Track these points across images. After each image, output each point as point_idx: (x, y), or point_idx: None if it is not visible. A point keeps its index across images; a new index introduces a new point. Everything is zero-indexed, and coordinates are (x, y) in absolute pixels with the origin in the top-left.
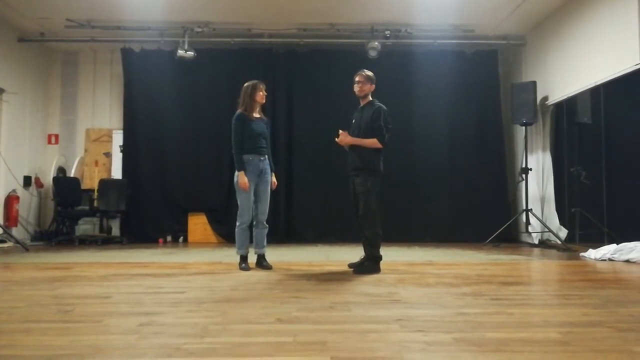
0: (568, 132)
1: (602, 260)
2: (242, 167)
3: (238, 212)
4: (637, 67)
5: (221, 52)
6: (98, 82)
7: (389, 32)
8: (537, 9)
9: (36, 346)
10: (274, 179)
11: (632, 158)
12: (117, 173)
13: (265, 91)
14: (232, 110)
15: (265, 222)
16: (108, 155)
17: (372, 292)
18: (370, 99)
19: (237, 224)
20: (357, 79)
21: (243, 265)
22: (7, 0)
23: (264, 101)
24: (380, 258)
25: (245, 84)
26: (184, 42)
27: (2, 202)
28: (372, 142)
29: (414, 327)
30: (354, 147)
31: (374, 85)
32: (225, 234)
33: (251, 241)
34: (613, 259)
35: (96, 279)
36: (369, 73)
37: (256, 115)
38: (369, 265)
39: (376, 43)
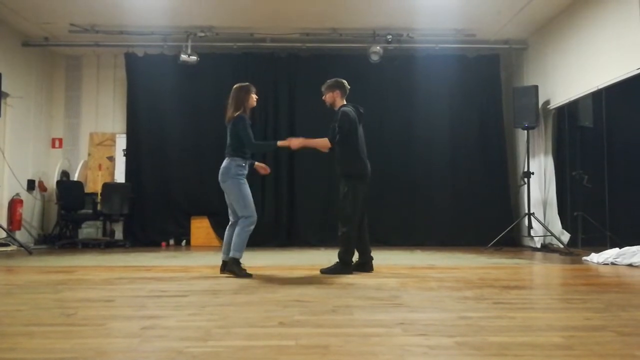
0: (570, 136)
1: (604, 264)
2: (273, 143)
3: (245, 211)
4: (638, 71)
5: (224, 57)
6: (101, 86)
7: (390, 36)
8: (538, 14)
9: (39, 349)
10: (263, 165)
11: (634, 162)
12: (120, 177)
13: (257, 94)
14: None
15: None
16: (111, 159)
17: (374, 296)
18: (340, 104)
19: (246, 224)
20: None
21: (245, 272)
22: (12, 5)
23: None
24: (349, 264)
25: (236, 86)
26: (187, 46)
27: (6, 205)
28: (322, 142)
29: (416, 331)
30: (334, 154)
31: (338, 90)
32: None
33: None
34: (616, 263)
35: (99, 282)
36: (329, 81)
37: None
38: (338, 266)
39: (378, 47)
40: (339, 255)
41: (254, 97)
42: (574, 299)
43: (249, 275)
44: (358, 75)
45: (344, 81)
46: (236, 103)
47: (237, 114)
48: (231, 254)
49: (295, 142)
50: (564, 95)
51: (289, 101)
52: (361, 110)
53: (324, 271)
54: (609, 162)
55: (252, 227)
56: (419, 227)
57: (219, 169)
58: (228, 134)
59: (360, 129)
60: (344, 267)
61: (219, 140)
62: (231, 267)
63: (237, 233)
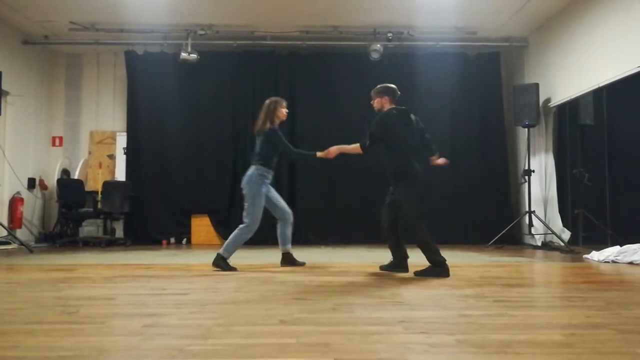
0: (571, 133)
1: (605, 262)
2: (313, 153)
3: (249, 219)
4: (639, 69)
5: (224, 55)
6: (102, 84)
7: (391, 34)
8: (539, 11)
9: (40, 347)
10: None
11: (635, 159)
12: (120, 175)
13: (287, 107)
14: (235, 113)
15: None
16: (112, 157)
17: (375, 294)
18: (386, 109)
19: (245, 231)
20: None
21: (228, 267)
22: (12, 3)
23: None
24: (442, 261)
25: (267, 101)
26: (187, 44)
27: (7, 204)
28: (355, 148)
29: (417, 329)
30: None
31: (386, 96)
32: (228, 235)
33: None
34: (616, 261)
35: (100, 280)
36: (379, 87)
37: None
38: (432, 270)
39: (378, 45)
40: (429, 260)
41: (284, 110)
42: (575, 297)
43: (234, 269)
44: (358, 73)
45: (394, 87)
46: (266, 115)
47: (268, 126)
48: (220, 251)
49: (332, 152)
50: (565, 93)
51: (290, 99)
52: (411, 115)
53: (418, 273)
54: (610, 160)
55: (249, 235)
56: None
57: (219, 166)
58: (257, 143)
59: (406, 130)
60: (438, 269)
61: (219, 138)
62: (218, 262)
63: (233, 234)
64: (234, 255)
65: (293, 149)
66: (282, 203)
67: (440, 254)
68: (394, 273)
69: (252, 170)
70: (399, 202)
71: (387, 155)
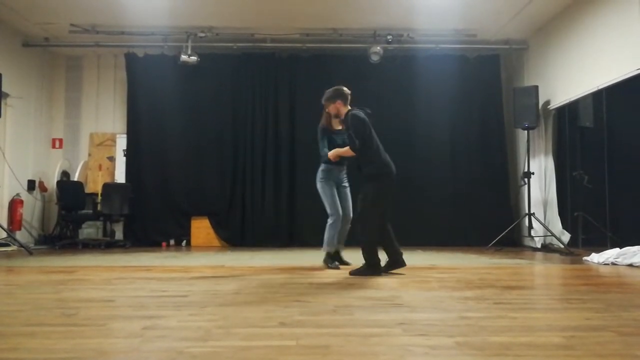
0: (570, 136)
1: (605, 264)
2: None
3: (329, 210)
4: (639, 71)
5: (224, 57)
6: (102, 86)
7: (391, 36)
8: (539, 14)
9: (40, 349)
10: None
11: (634, 162)
12: (120, 177)
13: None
14: (235, 115)
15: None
16: (112, 159)
17: (374, 296)
18: (346, 111)
19: (330, 222)
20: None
21: (332, 263)
22: (12, 5)
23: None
24: (376, 265)
25: None
26: (187, 47)
27: (6, 205)
28: (346, 151)
29: (417, 331)
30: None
31: (338, 100)
32: (228, 238)
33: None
34: (616, 263)
35: (100, 282)
36: (329, 92)
37: (337, 127)
38: (363, 268)
39: (378, 48)
40: (364, 258)
41: (333, 105)
42: (575, 299)
43: (337, 267)
44: (358, 75)
45: (342, 88)
46: (323, 112)
47: (320, 124)
48: (322, 249)
49: (330, 156)
50: (565, 96)
51: (290, 102)
52: (369, 111)
53: (353, 273)
54: (610, 162)
55: (336, 223)
56: (419, 227)
57: (219, 168)
58: None
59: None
60: (370, 268)
61: (219, 141)
62: (325, 260)
63: (326, 230)
64: (236, 256)
65: (321, 150)
66: (339, 204)
67: (377, 258)
68: (393, 273)
69: (320, 167)
70: (362, 201)
71: (361, 155)
